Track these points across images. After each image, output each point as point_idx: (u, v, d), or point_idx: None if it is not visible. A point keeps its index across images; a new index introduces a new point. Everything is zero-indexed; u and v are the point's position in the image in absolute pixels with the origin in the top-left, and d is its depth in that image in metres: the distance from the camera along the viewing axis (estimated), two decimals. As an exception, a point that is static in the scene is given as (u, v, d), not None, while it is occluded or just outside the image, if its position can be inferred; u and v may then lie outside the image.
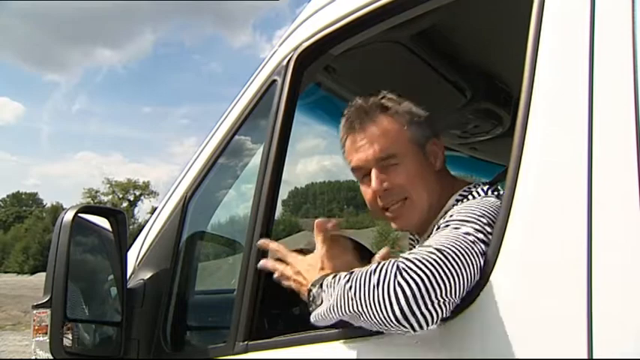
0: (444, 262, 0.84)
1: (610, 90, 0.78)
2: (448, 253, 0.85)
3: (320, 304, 0.99)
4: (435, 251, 0.86)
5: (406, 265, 0.84)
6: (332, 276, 1.00)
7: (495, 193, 1.09)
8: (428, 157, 1.19)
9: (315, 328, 1.05)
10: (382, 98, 1.20)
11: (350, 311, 0.90)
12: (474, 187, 1.14)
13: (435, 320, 0.83)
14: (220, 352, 1.24)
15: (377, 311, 0.84)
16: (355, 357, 0.96)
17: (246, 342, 1.18)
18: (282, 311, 1.53)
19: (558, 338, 0.75)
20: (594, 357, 0.72)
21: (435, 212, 1.14)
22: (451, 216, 0.99)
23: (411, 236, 1.36)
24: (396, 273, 0.84)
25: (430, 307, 0.82)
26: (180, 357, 1.42)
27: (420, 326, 0.82)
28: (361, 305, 0.87)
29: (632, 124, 0.74)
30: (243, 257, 1.23)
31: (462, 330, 0.86)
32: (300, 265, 1.12)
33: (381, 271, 0.87)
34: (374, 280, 0.86)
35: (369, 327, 0.89)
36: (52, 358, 1.22)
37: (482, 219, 0.94)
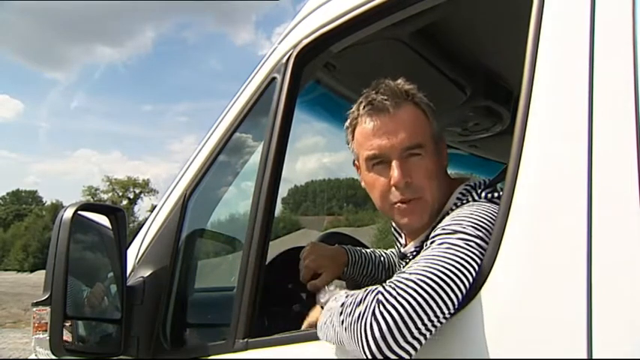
0: (425, 290, 0.82)
1: (610, 87, 0.78)
2: (432, 277, 0.83)
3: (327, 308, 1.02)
4: (416, 278, 0.83)
5: (384, 297, 0.82)
6: (335, 297, 1.02)
7: (490, 195, 1.05)
8: (440, 155, 1.15)
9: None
10: (406, 85, 1.13)
11: (342, 343, 0.91)
12: (472, 189, 1.10)
13: (417, 349, 0.81)
14: (220, 350, 1.24)
15: (356, 346, 0.84)
16: (355, 355, 0.95)
17: (245, 339, 1.18)
18: (282, 308, 1.53)
19: (558, 338, 0.75)
20: (594, 357, 0.71)
21: (435, 214, 1.11)
22: (443, 228, 0.96)
23: (396, 233, 1.33)
24: (374, 306, 0.82)
25: (410, 338, 0.80)
26: (179, 354, 1.42)
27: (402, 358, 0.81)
28: (346, 339, 0.88)
29: (632, 122, 0.74)
30: (243, 254, 1.23)
31: (461, 330, 0.85)
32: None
33: (364, 301, 0.86)
34: (358, 311, 0.86)
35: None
36: (52, 355, 1.22)
37: (474, 229, 0.92)
